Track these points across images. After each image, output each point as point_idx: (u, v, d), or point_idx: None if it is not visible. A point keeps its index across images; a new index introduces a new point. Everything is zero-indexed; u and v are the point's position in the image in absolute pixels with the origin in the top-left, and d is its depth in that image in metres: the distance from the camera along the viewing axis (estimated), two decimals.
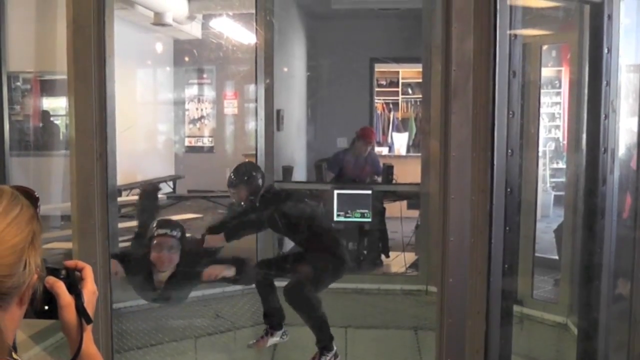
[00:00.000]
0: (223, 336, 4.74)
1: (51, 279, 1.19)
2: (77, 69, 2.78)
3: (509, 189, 2.71)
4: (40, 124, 7.62)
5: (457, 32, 2.58)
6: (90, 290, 1.25)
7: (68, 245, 3.17)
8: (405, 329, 4.46)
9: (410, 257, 6.23)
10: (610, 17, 3.13)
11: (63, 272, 1.22)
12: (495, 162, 2.60)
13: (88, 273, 1.26)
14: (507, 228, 2.71)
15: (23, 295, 1.09)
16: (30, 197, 1.13)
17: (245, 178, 4.44)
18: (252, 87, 6.14)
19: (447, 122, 2.61)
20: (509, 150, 2.69)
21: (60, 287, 1.19)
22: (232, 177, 4.48)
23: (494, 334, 2.66)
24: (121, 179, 6.36)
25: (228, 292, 5.33)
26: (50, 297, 1.20)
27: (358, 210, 5.61)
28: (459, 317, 2.62)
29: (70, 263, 1.25)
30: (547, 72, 9.34)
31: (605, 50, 3.15)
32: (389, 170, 6.70)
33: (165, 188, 10.02)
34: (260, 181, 4.48)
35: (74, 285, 1.22)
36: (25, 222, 1.07)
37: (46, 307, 1.20)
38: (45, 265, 1.18)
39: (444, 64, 2.65)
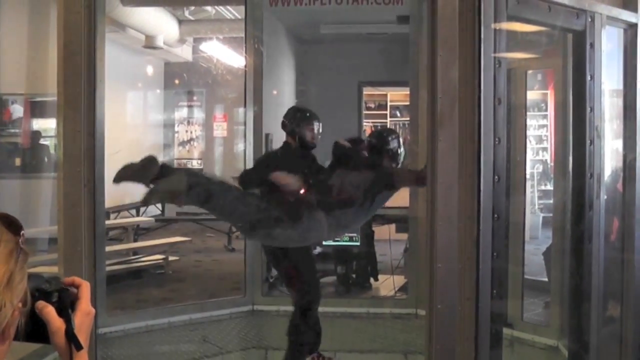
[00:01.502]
0: None
1: (41, 304, 1.14)
2: (66, 95, 2.81)
3: (496, 215, 2.72)
4: (30, 145, 7.60)
5: (442, 60, 2.62)
6: (84, 310, 1.19)
7: (55, 269, 3.16)
8: (395, 353, 4.44)
9: (400, 280, 6.22)
10: (592, 45, 3.20)
11: (55, 294, 1.17)
12: (482, 189, 2.62)
13: (84, 292, 1.21)
14: (495, 253, 2.72)
15: (4, 331, 1.06)
16: (12, 225, 1.08)
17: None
18: (241, 110, 6.15)
19: (434, 149, 2.63)
20: (496, 177, 2.71)
21: (49, 313, 1.14)
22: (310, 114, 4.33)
23: (484, 358, 2.66)
24: (109, 201, 6.33)
25: (216, 316, 5.31)
26: (41, 321, 1.15)
27: (347, 235, 5.61)
28: (448, 342, 2.63)
29: (68, 280, 1.21)
30: (533, 95, 9.41)
31: (589, 78, 3.21)
32: None
33: (154, 210, 10.00)
34: None
35: (65, 309, 1.17)
36: (2, 262, 1.03)
37: (37, 332, 1.16)
38: (38, 286, 1.15)
39: (430, 91, 2.69)
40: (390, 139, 4.13)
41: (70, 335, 1.15)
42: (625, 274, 3.63)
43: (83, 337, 1.18)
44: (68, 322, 1.16)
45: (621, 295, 3.62)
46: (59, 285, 1.19)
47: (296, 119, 4.29)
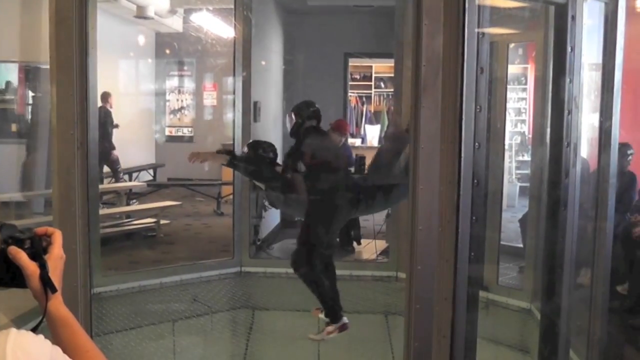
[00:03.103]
0: (200, 320, 4.81)
1: (13, 250, 1.20)
2: (59, 59, 2.75)
3: (475, 181, 2.74)
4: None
5: (427, 29, 2.62)
6: (56, 255, 1.25)
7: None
8: (376, 314, 4.55)
9: (381, 244, 6.32)
10: (574, 17, 3.21)
11: (27, 241, 1.22)
12: (462, 155, 2.63)
13: (56, 238, 1.26)
14: (474, 218, 2.74)
15: None
16: None
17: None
18: (230, 80, 6.21)
19: (417, 115, 2.64)
20: (476, 144, 2.72)
21: (22, 258, 1.20)
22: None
23: (461, 319, 2.69)
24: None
25: (205, 277, 5.42)
26: (16, 267, 1.20)
27: None
28: (427, 303, 2.65)
29: (40, 230, 1.26)
30: (514, 69, 9.53)
31: (569, 49, 3.22)
32: (361, 161, 6.81)
33: (146, 176, 10.08)
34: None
35: (39, 255, 1.21)
36: None
37: (14, 277, 1.21)
38: (11, 234, 1.21)
39: (415, 59, 2.68)
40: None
41: (45, 279, 1.21)
42: (598, 240, 3.73)
43: (57, 280, 1.24)
44: (42, 267, 1.21)
45: (592, 260, 3.74)
46: (31, 234, 1.24)
47: None
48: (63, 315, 1.24)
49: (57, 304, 1.23)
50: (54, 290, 1.22)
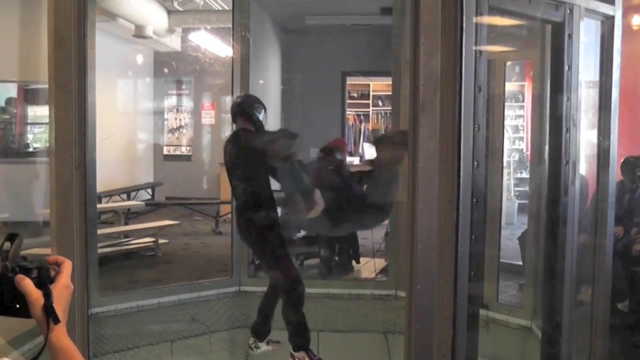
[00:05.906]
0: (198, 340, 4.76)
1: (19, 277, 1.19)
2: (57, 79, 2.76)
3: (474, 199, 2.73)
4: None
5: (425, 48, 2.63)
6: (63, 284, 1.23)
7: (48, 251, 3.20)
8: (375, 333, 4.53)
9: (380, 263, 6.30)
10: (570, 36, 3.22)
11: (34, 270, 1.21)
12: (461, 174, 2.64)
13: (65, 267, 1.25)
14: (473, 237, 2.74)
15: None
16: None
17: None
18: (228, 98, 6.24)
19: (415, 135, 2.64)
20: (475, 162, 2.73)
21: (27, 285, 1.19)
22: None
23: (461, 338, 2.69)
24: (101, 186, 6.36)
25: (203, 296, 5.41)
26: (22, 296, 1.19)
27: None
28: (427, 322, 2.65)
29: (51, 259, 1.25)
30: (511, 86, 9.57)
31: (566, 68, 3.23)
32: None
33: (144, 195, 10.08)
34: None
35: (44, 284, 1.20)
36: None
37: (17, 306, 1.19)
38: (19, 263, 1.20)
39: (412, 79, 2.69)
40: None
41: (49, 309, 1.19)
42: (598, 257, 3.72)
43: (61, 309, 1.22)
44: (47, 296, 1.19)
45: (593, 278, 3.72)
46: (39, 263, 1.22)
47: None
48: (65, 346, 1.22)
49: (59, 334, 1.21)
50: (56, 321, 1.20)
